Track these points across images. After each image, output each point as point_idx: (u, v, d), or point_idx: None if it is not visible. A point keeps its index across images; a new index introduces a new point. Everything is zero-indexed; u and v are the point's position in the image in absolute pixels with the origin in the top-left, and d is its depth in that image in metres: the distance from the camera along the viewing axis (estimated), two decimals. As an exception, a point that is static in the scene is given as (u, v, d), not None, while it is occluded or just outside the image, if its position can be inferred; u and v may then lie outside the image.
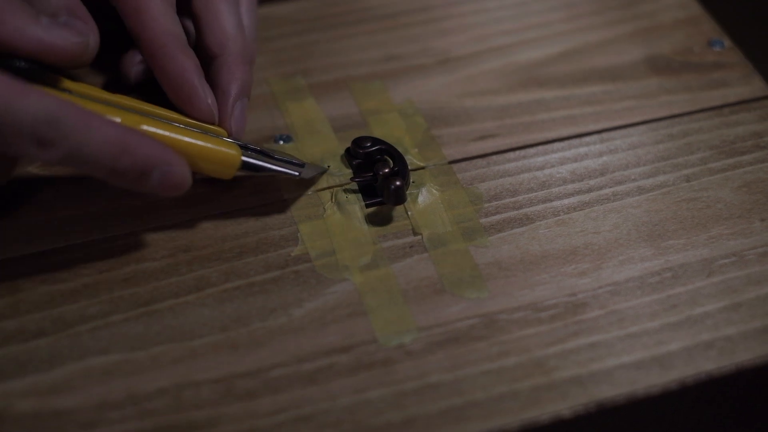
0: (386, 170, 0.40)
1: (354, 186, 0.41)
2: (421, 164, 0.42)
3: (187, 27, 0.42)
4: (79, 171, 0.34)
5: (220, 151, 0.37)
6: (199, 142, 0.37)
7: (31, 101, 0.32)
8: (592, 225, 0.40)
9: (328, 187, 0.41)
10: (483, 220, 0.40)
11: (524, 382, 0.34)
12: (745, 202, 0.41)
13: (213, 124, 0.39)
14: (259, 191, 0.40)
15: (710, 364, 0.35)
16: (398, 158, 0.41)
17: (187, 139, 0.37)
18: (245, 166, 0.38)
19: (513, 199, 0.41)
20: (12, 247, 0.38)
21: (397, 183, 0.39)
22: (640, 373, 0.35)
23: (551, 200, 0.41)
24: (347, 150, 0.42)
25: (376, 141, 0.41)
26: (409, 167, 0.41)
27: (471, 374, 0.34)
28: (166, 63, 0.38)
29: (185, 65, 0.39)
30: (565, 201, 0.41)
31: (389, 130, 0.43)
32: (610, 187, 0.41)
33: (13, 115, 0.32)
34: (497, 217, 0.40)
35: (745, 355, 0.35)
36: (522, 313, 0.36)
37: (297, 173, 0.39)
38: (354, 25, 0.49)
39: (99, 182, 0.35)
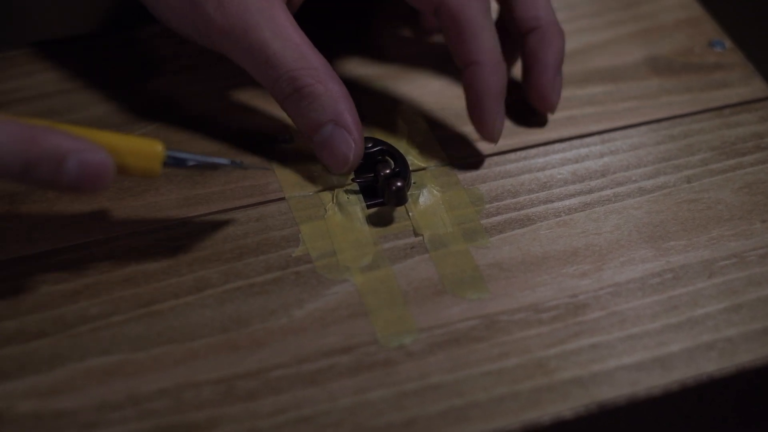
0: (387, 171, 0.40)
1: (355, 187, 0.41)
2: (422, 165, 0.42)
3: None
4: None
5: (141, 141, 0.36)
6: (118, 137, 0.36)
7: None
8: (593, 226, 0.40)
9: (329, 188, 0.41)
10: (484, 221, 0.40)
11: (525, 383, 0.34)
12: (745, 203, 0.41)
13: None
14: (260, 192, 0.40)
15: (711, 365, 0.35)
16: (399, 159, 0.41)
17: (104, 134, 0.35)
18: (171, 159, 0.36)
19: (514, 200, 0.41)
20: (12, 247, 0.38)
21: (398, 184, 0.39)
22: (641, 374, 0.35)
23: (552, 201, 0.41)
24: (348, 150, 0.42)
25: (377, 142, 0.41)
26: (410, 168, 0.41)
27: (472, 375, 0.34)
28: (473, 79, 0.41)
29: (489, 87, 0.40)
30: (566, 202, 0.41)
31: (390, 130, 0.43)
32: (611, 188, 0.41)
33: None
34: (498, 218, 0.40)
35: (745, 357, 0.35)
36: (523, 314, 0.36)
37: (228, 162, 0.38)
38: (356, 25, 0.49)
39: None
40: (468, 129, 0.44)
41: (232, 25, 0.39)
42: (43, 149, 0.33)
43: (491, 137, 0.41)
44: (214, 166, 0.38)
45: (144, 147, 0.36)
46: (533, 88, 0.43)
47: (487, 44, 0.40)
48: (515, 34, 0.44)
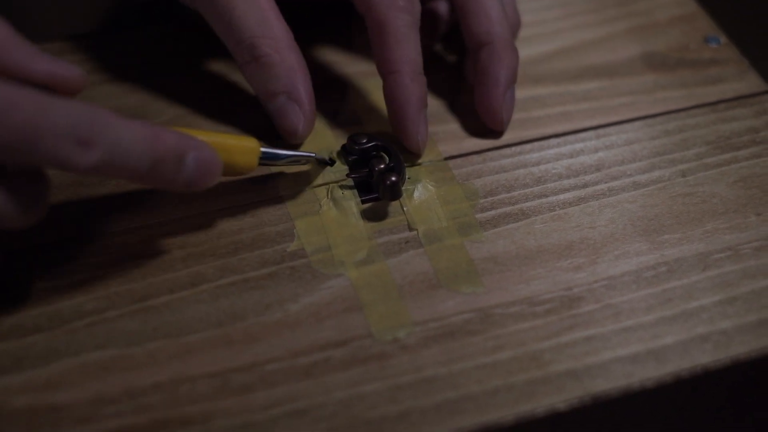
0: (382, 166, 0.40)
1: (350, 182, 0.41)
2: (417, 160, 0.42)
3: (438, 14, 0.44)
4: (118, 172, 0.33)
5: (240, 138, 0.38)
6: (219, 137, 0.37)
7: (64, 105, 0.32)
8: (588, 220, 0.40)
9: (324, 184, 0.41)
10: (478, 216, 0.40)
11: (519, 375, 0.34)
12: (740, 197, 0.41)
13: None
14: (254, 188, 0.40)
15: (706, 357, 0.35)
16: (394, 154, 0.41)
17: (207, 134, 0.37)
18: (265, 155, 0.39)
19: (508, 195, 0.41)
20: (7, 242, 0.38)
21: (393, 179, 0.39)
22: (636, 367, 0.35)
23: (547, 195, 0.41)
24: (343, 146, 0.42)
25: (371, 137, 0.41)
26: (405, 163, 0.41)
27: (466, 368, 0.34)
28: (394, 88, 0.41)
29: (410, 96, 0.40)
30: (561, 196, 0.41)
31: (385, 126, 0.43)
32: (606, 183, 0.41)
33: (51, 118, 0.31)
34: (493, 212, 0.40)
35: (740, 349, 0.35)
36: (517, 308, 0.36)
37: (313, 154, 0.40)
38: (348, 20, 0.49)
39: (93, 178, 0.35)
40: (462, 124, 0.44)
41: None
42: (168, 147, 0.34)
43: (416, 146, 0.41)
44: (306, 161, 0.40)
45: (243, 144, 0.38)
46: (483, 104, 0.43)
47: (408, 55, 0.40)
48: (469, 48, 0.43)
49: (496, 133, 0.43)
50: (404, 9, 0.40)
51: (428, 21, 0.46)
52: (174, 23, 0.48)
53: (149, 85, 0.45)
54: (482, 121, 0.43)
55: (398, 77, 0.40)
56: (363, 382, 0.34)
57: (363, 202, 0.40)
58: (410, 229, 0.39)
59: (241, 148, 0.38)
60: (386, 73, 0.41)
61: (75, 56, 0.46)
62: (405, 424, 0.33)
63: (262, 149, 0.39)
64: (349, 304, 0.36)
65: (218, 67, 0.46)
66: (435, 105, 0.45)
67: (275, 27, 0.40)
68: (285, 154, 0.39)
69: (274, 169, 0.41)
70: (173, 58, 0.47)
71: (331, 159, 0.41)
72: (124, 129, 0.33)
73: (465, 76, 0.45)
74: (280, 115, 0.41)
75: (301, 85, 0.40)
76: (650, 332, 0.36)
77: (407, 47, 0.40)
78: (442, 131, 0.43)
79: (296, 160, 0.40)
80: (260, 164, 0.39)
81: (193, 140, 0.35)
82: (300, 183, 0.41)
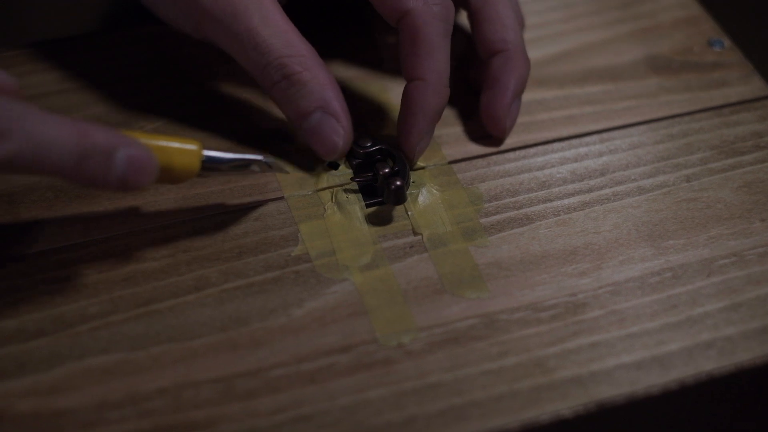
0: (386, 170, 0.40)
1: (354, 186, 0.41)
2: (421, 164, 0.42)
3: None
4: (40, 167, 0.33)
5: (181, 140, 0.36)
6: (159, 137, 0.36)
7: None
8: (593, 225, 0.40)
9: (329, 187, 0.41)
10: (483, 220, 0.40)
11: (524, 381, 0.34)
12: (745, 202, 0.41)
13: (411, 162, 0.41)
14: (259, 191, 0.40)
15: (710, 363, 0.35)
16: (398, 158, 0.41)
17: (145, 135, 0.36)
18: (208, 159, 0.37)
19: (513, 199, 0.41)
20: (11, 247, 0.38)
21: (398, 183, 0.39)
22: (641, 373, 0.35)
23: (551, 200, 0.41)
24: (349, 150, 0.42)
25: (376, 141, 0.41)
26: (409, 167, 0.41)
27: (471, 374, 0.34)
28: (415, 94, 0.40)
29: (426, 106, 0.40)
30: (566, 201, 0.41)
31: (390, 130, 0.43)
32: (610, 187, 0.41)
33: None
34: (497, 217, 0.40)
35: (745, 355, 0.35)
36: (522, 313, 0.36)
37: (260, 157, 0.38)
38: (354, 25, 0.49)
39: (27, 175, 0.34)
40: (467, 128, 0.44)
41: (221, 11, 0.39)
42: (95, 141, 0.33)
43: (411, 155, 0.41)
44: (255, 165, 0.38)
45: (183, 146, 0.36)
46: (488, 109, 0.43)
47: (438, 65, 0.40)
48: (481, 55, 0.43)
49: (498, 139, 0.43)
50: (440, 17, 0.40)
51: None
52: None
53: (131, 90, 0.45)
54: (485, 127, 0.43)
55: (421, 85, 0.40)
56: (368, 387, 0.34)
57: (367, 206, 0.40)
58: (415, 233, 0.39)
59: (180, 151, 0.36)
60: (412, 78, 0.40)
61: (70, 58, 0.46)
62: (410, 430, 0.33)
63: (205, 152, 0.37)
64: (353, 309, 0.36)
65: (219, 65, 0.46)
66: (439, 108, 0.45)
67: (300, 46, 0.39)
68: (230, 158, 0.37)
69: (220, 180, 0.40)
70: (172, 58, 0.47)
71: (334, 163, 0.41)
72: (47, 123, 0.32)
73: (470, 80, 0.45)
74: (317, 132, 0.40)
75: (335, 99, 0.40)
76: (655, 338, 0.36)
77: (438, 57, 0.40)
78: (446, 135, 0.43)
79: (244, 164, 0.38)
80: (204, 169, 0.37)
81: (124, 137, 0.34)
82: (304, 187, 0.41)
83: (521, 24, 0.45)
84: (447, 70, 0.40)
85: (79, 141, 0.33)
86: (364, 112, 0.44)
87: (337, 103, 0.40)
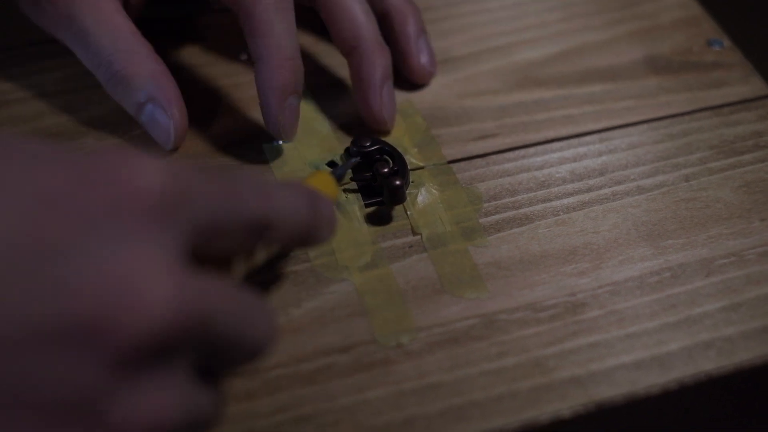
0: (385, 170, 0.40)
1: (353, 186, 0.41)
2: (421, 164, 0.42)
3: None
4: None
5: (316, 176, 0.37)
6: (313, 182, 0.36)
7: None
8: (592, 225, 0.40)
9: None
10: (482, 220, 0.40)
11: (523, 382, 0.34)
12: (744, 201, 0.41)
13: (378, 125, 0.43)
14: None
15: (710, 364, 0.35)
16: (398, 158, 0.41)
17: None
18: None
19: (512, 199, 0.41)
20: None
21: (397, 183, 0.39)
22: (640, 373, 0.34)
23: (550, 200, 0.41)
24: (346, 149, 0.42)
25: (375, 141, 0.41)
26: (409, 167, 0.41)
27: (470, 374, 0.34)
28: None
29: (273, 84, 0.40)
30: (565, 201, 0.41)
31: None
32: (610, 187, 0.41)
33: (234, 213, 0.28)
34: (496, 216, 0.40)
35: (744, 355, 0.35)
36: (521, 313, 0.36)
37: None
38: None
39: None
40: (466, 128, 0.44)
41: (60, 15, 0.40)
42: (323, 215, 0.32)
43: (277, 136, 0.41)
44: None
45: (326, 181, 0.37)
46: (362, 108, 0.43)
47: (275, 41, 0.39)
48: (341, 53, 0.43)
49: (496, 136, 0.43)
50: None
51: None
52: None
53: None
54: (366, 125, 0.43)
55: (260, 64, 0.40)
56: (367, 388, 0.34)
57: (366, 205, 0.40)
58: (414, 233, 0.39)
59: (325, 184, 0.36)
60: (254, 59, 0.40)
61: (71, 58, 0.46)
62: (409, 430, 0.33)
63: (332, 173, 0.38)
64: (352, 309, 0.36)
65: (215, 65, 0.46)
66: (439, 108, 0.45)
67: (131, 42, 0.40)
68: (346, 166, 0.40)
69: None
70: (170, 58, 0.47)
71: (333, 162, 0.41)
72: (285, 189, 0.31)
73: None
74: (150, 124, 0.40)
75: (161, 89, 0.40)
76: (654, 338, 0.36)
77: (274, 32, 0.39)
78: (445, 134, 0.43)
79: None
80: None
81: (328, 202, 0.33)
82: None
83: (408, 8, 0.45)
84: (288, 45, 0.40)
85: (312, 215, 0.31)
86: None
87: (162, 93, 0.40)
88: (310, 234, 0.31)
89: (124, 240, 0.23)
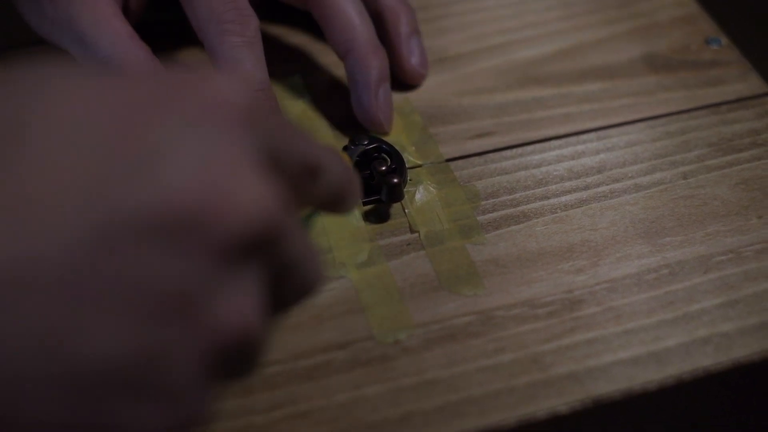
0: (383, 168, 0.40)
1: (351, 184, 0.41)
2: (419, 162, 0.42)
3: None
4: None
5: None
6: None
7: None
8: (589, 222, 0.40)
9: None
10: (480, 218, 0.40)
11: (521, 378, 0.34)
12: (742, 199, 0.41)
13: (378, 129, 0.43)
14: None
15: (707, 360, 0.35)
16: (395, 156, 0.41)
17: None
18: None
19: (510, 197, 0.41)
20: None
21: (394, 180, 0.39)
22: (637, 369, 0.35)
23: (548, 198, 0.41)
24: (344, 148, 0.42)
25: (373, 139, 0.41)
26: (407, 165, 0.41)
27: (467, 370, 0.34)
28: (355, 63, 0.42)
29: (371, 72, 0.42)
30: (563, 198, 0.41)
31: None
32: (608, 185, 0.41)
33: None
34: (494, 214, 0.40)
35: (741, 351, 0.35)
36: (519, 310, 0.36)
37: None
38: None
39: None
40: (464, 126, 0.44)
41: (59, 18, 0.41)
42: (354, 182, 0.31)
43: (379, 128, 0.42)
44: None
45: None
46: (358, 110, 0.43)
47: (361, 30, 0.40)
48: (337, 55, 0.44)
49: (494, 134, 0.43)
50: (234, 32, 0.40)
51: None
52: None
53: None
54: (364, 126, 0.43)
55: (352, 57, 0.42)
56: (364, 384, 0.34)
57: (364, 203, 0.40)
58: (412, 231, 0.39)
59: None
60: (343, 52, 0.42)
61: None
62: (407, 426, 0.33)
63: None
64: (350, 306, 0.36)
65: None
66: (437, 106, 0.45)
67: (127, 44, 0.40)
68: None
69: None
70: (170, 59, 0.47)
71: None
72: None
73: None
74: None
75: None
76: (652, 335, 0.36)
77: (357, 23, 0.42)
78: (443, 133, 0.43)
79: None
80: None
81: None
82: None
83: (403, 9, 0.46)
84: (370, 33, 0.42)
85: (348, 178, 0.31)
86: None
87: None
88: (344, 194, 0.30)
89: (219, 140, 0.23)
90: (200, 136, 0.23)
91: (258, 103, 0.25)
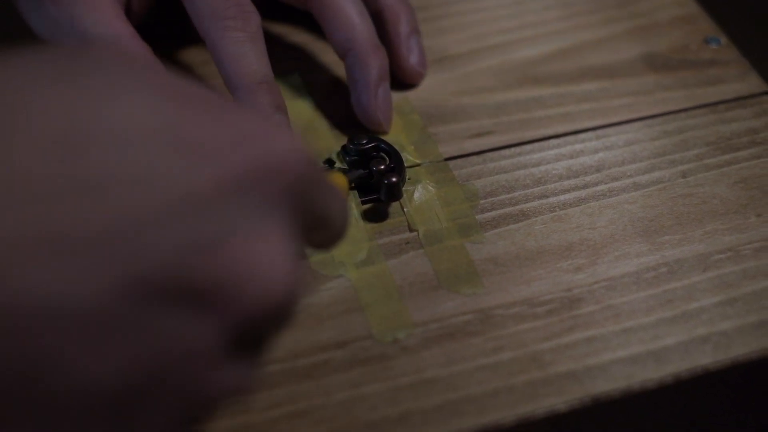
0: (382, 167, 0.40)
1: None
2: (417, 161, 0.42)
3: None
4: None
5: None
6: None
7: None
8: (588, 221, 0.40)
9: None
10: (479, 217, 0.40)
11: (520, 376, 0.34)
12: (740, 197, 0.41)
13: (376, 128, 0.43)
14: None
15: (706, 358, 0.35)
16: (394, 155, 0.41)
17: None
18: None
19: (509, 196, 0.41)
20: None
21: (393, 179, 0.39)
22: (636, 368, 0.35)
23: (547, 196, 0.41)
24: (343, 147, 0.42)
25: (372, 138, 0.41)
26: (405, 164, 0.41)
27: (466, 369, 0.34)
28: (354, 63, 0.42)
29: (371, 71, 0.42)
30: (561, 197, 0.41)
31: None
32: (606, 183, 0.41)
33: None
34: (493, 213, 0.40)
35: (740, 350, 0.35)
36: (517, 309, 0.36)
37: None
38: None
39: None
40: (463, 125, 0.44)
41: (61, 17, 0.41)
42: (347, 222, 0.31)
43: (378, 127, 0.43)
44: None
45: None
46: (357, 109, 0.43)
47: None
48: (337, 54, 0.44)
49: (493, 133, 0.43)
50: (236, 28, 0.40)
51: None
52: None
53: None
54: (364, 125, 0.43)
55: (353, 57, 0.42)
56: (363, 383, 0.34)
57: (363, 202, 0.40)
58: (410, 230, 0.39)
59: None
60: (344, 51, 0.43)
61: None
62: (405, 425, 0.33)
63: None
64: (349, 305, 0.36)
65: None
66: (436, 105, 0.45)
67: (129, 45, 0.40)
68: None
69: None
70: (169, 59, 0.47)
71: (329, 160, 0.42)
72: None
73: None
74: None
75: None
76: (650, 333, 0.36)
77: (357, 21, 0.42)
78: (442, 132, 0.44)
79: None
80: None
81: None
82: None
83: (402, 8, 0.46)
84: (370, 32, 0.42)
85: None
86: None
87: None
88: (333, 243, 0.30)
89: (262, 213, 0.23)
90: (247, 203, 0.23)
91: (309, 168, 0.25)
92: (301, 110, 0.44)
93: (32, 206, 0.20)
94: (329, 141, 0.43)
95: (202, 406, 0.23)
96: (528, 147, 0.43)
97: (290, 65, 0.47)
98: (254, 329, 0.23)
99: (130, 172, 0.21)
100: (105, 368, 0.21)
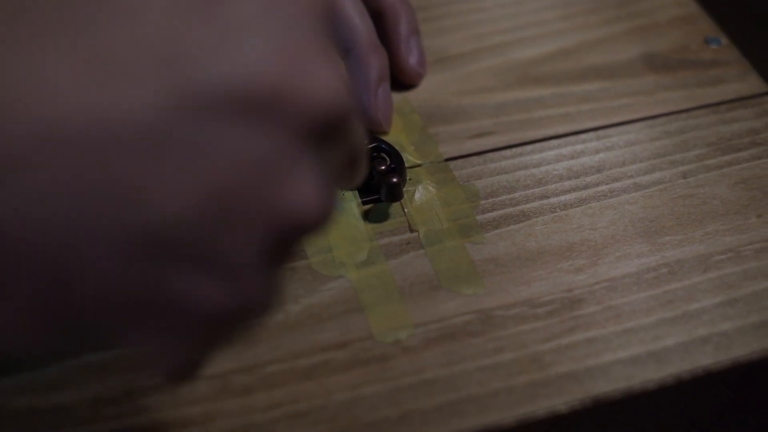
0: (383, 167, 0.40)
1: (350, 183, 0.41)
2: (418, 161, 0.42)
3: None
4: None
5: None
6: None
7: None
8: (589, 221, 0.40)
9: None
10: (479, 217, 0.40)
11: (520, 377, 0.34)
12: (741, 198, 0.41)
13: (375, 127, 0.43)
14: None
15: (706, 359, 0.35)
16: (395, 155, 0.41)
17: None
18: None
19: (509, 196, 0.41)
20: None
21: (394, 180, 0.39)
22: (637, 369, 0.35)
23: (548, 197, 0.41)
24: (344, 147, 0.42)
25: (372, 138, 0.41)
26: (406, 164, 0.41)
27: (467, 370, 0.34)
28: (354, 63, 0.42)
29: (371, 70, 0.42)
30: (562, 197, 0.41)
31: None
32: (607, 184, 0.41)
33: None
34: (494, 213, 0.40)
35: (741, 350, 0.35)
36: (518, 309, 0.36)
37: None
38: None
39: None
40: (464, 126, 0.44)
41: None
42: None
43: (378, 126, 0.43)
44: None
45: None
46: (360, 110, 0.43)
47: (359, 31, 0.41)
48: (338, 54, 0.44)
49: (494, 134, 0.43)
50: None
51: None
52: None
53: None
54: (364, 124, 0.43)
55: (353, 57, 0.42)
56: (364, 383, 0.34)
57: (364, 203, 0.40)
58: (411, 230, 0.39)
59: None
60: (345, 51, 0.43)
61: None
62: (406, 426, 0.33)
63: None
64: (349, 306, 0.36)
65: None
66: (436, 106, 0.45)
67: None
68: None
69: None
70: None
71: None
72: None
73: None
74: None
75: None
76: (651, 334, 0.36)
77: (357, 23, 0.42)
78: (442, 132, 0.43)
79: None
80: None
81: None
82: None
83: (404, 8, 0.46)
84: (370, 32, 0.42)
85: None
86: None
87: None
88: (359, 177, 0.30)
89: (298, 24, 0.23)
90: (281, 17, 0.23)
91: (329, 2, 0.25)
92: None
93: (81, 31, 0.20)
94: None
95: (287, 229, 0.23)
96: (528, 147, 0.43)
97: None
98: (319, 133, 0.23)
99: None
100: (178, 194, 0.21)
